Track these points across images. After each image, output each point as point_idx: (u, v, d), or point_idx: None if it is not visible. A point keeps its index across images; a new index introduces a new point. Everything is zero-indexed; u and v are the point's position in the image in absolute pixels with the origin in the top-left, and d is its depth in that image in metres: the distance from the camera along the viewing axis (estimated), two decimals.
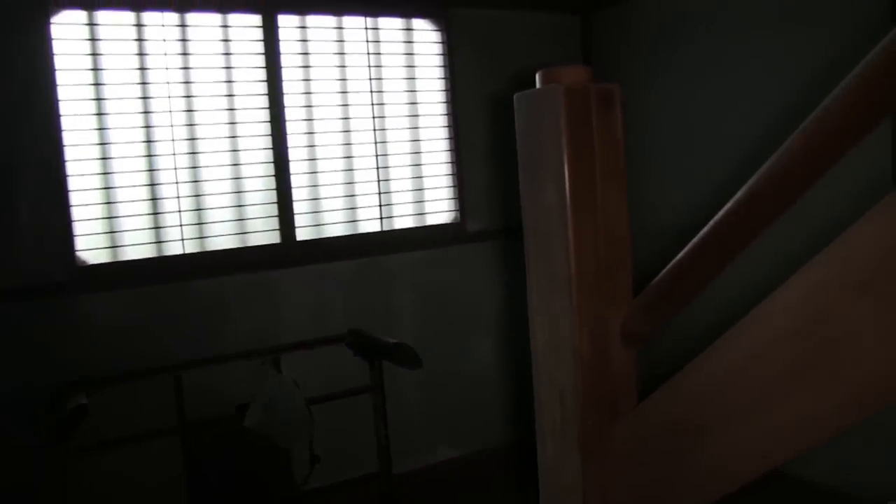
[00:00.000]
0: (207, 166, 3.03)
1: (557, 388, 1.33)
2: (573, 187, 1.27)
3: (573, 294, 1.27)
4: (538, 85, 1.34)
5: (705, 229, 1.15)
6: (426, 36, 3.58)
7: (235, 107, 3.07)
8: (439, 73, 3.61)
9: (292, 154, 3.20)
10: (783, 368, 1.00)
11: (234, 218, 3.11)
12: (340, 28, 3.31)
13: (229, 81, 3.06)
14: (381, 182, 3.44)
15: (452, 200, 3.68)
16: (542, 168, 1.29)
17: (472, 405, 3.72)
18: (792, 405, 0.99)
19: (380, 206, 3.45)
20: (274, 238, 3.19)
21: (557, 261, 1.29)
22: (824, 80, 3.03)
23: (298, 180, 3.23)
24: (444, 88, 3.63)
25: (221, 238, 3.07)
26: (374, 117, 3.40)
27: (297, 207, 3.23)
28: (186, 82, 2.98)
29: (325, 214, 3.32)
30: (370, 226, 3.44)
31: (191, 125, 2.99)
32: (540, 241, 1.32)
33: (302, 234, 3.25)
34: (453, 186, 3.67)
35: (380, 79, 3.42)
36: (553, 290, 1.31)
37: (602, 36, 4.05)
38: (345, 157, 3.36)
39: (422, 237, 3.58)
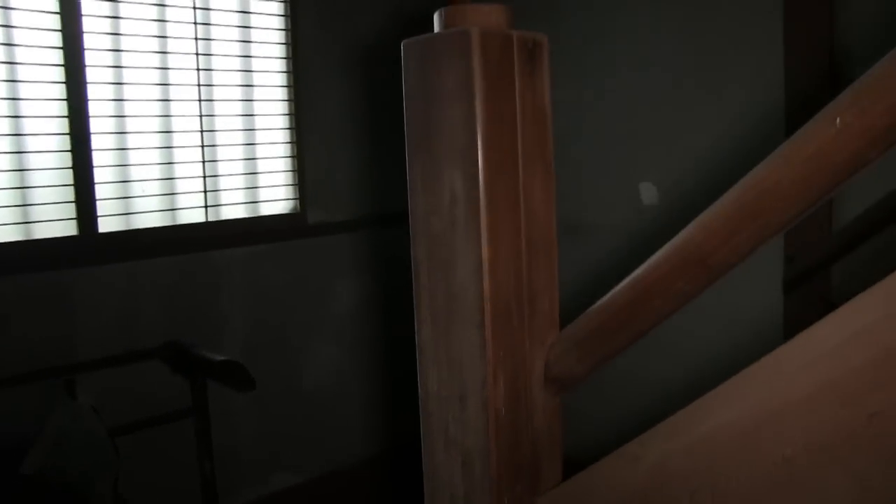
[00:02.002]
0: None
1: (459, 452, 1.01)
2: (488, 173, 0.95)
3: (485, 323, 0.95)
4: (437, 28, 1.01)
5: (678, 237, 0.87)
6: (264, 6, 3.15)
7: (17, 60, 2.50)
8: (277, 27, 3.19)
9: (94, 125, 2.67)
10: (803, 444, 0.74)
11: (15, 203, 2.54)
12: None
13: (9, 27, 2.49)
14: (206, 163, 2.98)
15: (291, 186, 3.27)
16: (442, 144, 0.97)
17: (316, 423, 3.35)
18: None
19: (204, 191, 2.98)
20: (69, 229, 2.65)
21: (463, 276, 0.97)
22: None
23: (102, 157, 2.71)
24: (282, 42, 3.21)
25: None
26: (199, 85, 2.93)
27: (100, 192, 2.70)
28: None
29: (135, 201, 2.81)
30: (192, 215, 2.97)
31: None
32: (437, 249, 1.00)
33: (106, 225, 2.72)
34: (292, 170, 3.26)
35: (208, 39, 2.95)
36: (455, 318, 0.98)
37: None
38: (162, 132, 2.86)
39: (255, 229, 3.15)
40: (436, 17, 1.01)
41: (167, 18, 2.84)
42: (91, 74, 2.64)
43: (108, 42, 2.70)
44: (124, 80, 2.74)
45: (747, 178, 0.79)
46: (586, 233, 3.32)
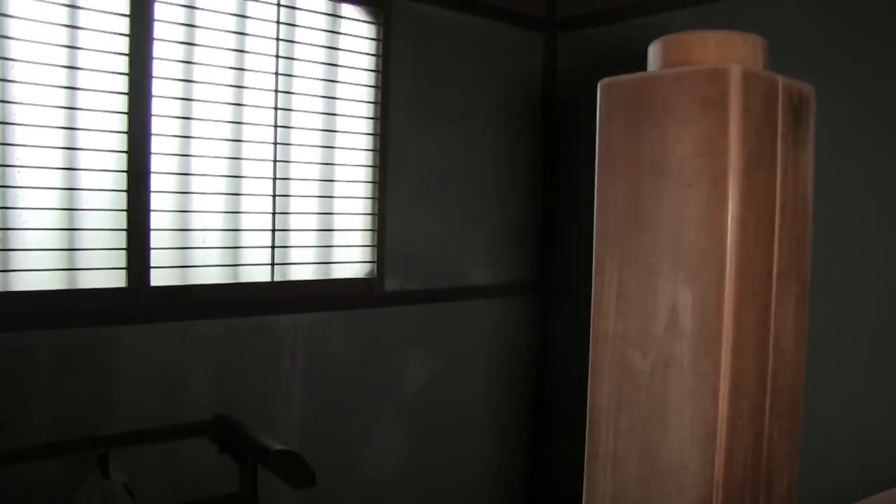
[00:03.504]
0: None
1: None
2: (738, 294, 0.62)
3: None
4: (653, 67, 0.70)
5: None
6: (356, 28, 2.91)
7: (78, 85, 2.29)
8: (367, 67, 2.94)
9: (155, 163, 2.43)
10: None
11: (60, 247, 2.30)
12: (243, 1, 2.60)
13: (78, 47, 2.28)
14: (276, 215, 2.71)
15: (369, 248, 2.98)
16: (660, 241, 0.65)
17: None
18: None
19: (272, 247, 2.71)
20: (117, 280, 2.39)
21: (678, 446, 0.64)
22: None
23: (160, 201, 2.46)
24: (372, 85, 2.96)
25: (36, 275, 2.26)
26: (275, 126, 2.68)
27: (156, 240, 2.44)
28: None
29: (194, 253, 2.55)
30: (257, 273, 2.70)
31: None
32: (635, 396, 0.67)
33: (159, 278, 2.46)
34: (372, 230, 2.98)
35: (289, 75, 2.71)
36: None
37: (568, 58, 3.51)
38: (230, 177, 2.61)
39: (325, 294, 2.86)
40: (653, 50, 0.70)
41: (246, 49, 2.61)
42: (157, 106, 2.41)
43: (178, 71, 2.47)
44: (193, 115, 2.51)
45: None
46: None
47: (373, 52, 2.95)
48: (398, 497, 3.11)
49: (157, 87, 2.41)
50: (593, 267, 0.74)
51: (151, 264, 2.43)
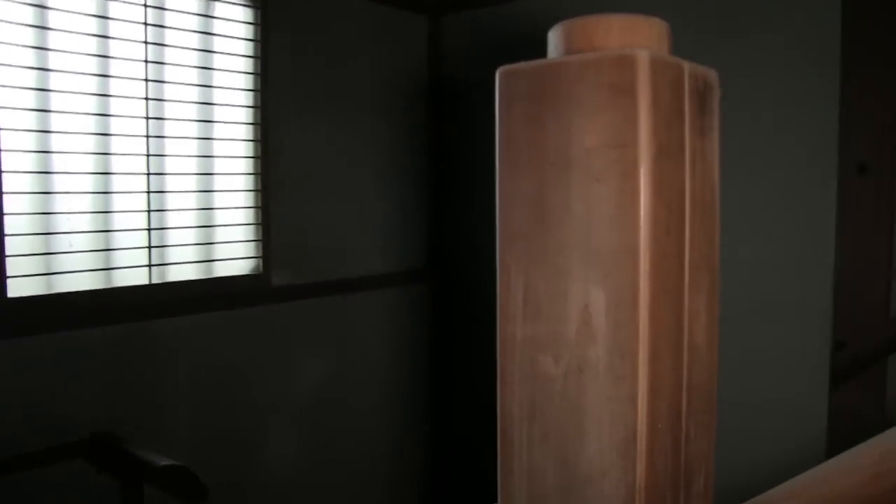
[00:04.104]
0: None
1: None
2: (653, 290, 0.60)
3: None
4: (554, 53, 0.66)
5: None
6: (232, 12, 2.78)
7: None
8: (244, 53, 2.82)
9: (6, 161, 2.24)
10: None
11: None
12: None
13: None
14: (151, 213, 2.57)
15: (254, 243, 2.88)
16: (569, 239, 0.62)
17: None
18: None
19: (149, 247, 2.57)
20: None
21: (597, 453, 0.62)
22: None
23: (14, 203, 2.28)
24: (250, 72, 2.84)
25: None
26: (147, 118, 2.53)
27: (11, 246, 2.26)
28: None
29: (60, 258, 2.38)
30: (133, 276, 2.55)
31: None
32: (547, 403, 0.65)
33: (17, 288, 2.28)
34: (255, 224, 2.87)
35: (160, 62, 2.56)
36: None
37: (453, 42, 3.49)
38: (99, 174, 2.45)
39: (208, 293, 2.74)
40: (554, 35, 0.67)
41: (110, 34, 2.45)
42: (4, 97, 2.23)
43: (31, 58, 2.28)
44: (51, 108, 2.33)
45: None
46: None
47: (251, 36, 2.83)
48: (299, 500, 3.04)
49: (4, 74, 2.22)
50: (497, 268, 0.70)
51: (8, 273, 2.25)
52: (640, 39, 0.61)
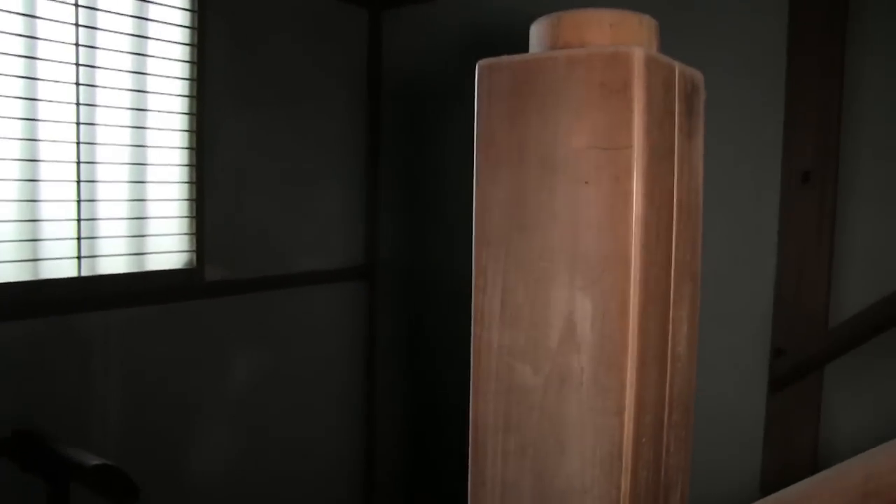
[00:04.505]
0: None
1: None
2: (643, 298, 0.58)
3: None
4: (536, 48, 0.63)
5: None
6: (165, 11, 2.68)
7: None
8: (180, 40, 2.72)
9: None
10: None
11: None
12: None
13: None
14: (81, 203, 2.46)
15: (187, 236, 2.78)
16: (553, 243, 0.59)
17: None
18: None
19: (78, 238, 2.45)
20: None
21: (579, 466, 0.59)
22: None
23: None
24: (186, 60, 2.74)
25: None
26: (77, 104, 2.42)
27: None
28: None
29: None
30: (60, 268, 2.43)
31: None
32: (528, 414, 0.62)
33: None
34: (189, 217, 2.78)
35: (91, 46, 2.45)
36: None
37: (394, 37, 3.43)
38: (25, 160, 2.33)
39: (139, 287, 2.63)
40: (537, 29, 0.64)
41: (39, 14, 2.32)
42: None
43: None
44: None
45: None
46: None
47: (187, 24, 2.73)
48: (234, 499, 2.95)
49: None
50: (473, 272, 0.67)
51: None
52: (632, 36, 0.58)
